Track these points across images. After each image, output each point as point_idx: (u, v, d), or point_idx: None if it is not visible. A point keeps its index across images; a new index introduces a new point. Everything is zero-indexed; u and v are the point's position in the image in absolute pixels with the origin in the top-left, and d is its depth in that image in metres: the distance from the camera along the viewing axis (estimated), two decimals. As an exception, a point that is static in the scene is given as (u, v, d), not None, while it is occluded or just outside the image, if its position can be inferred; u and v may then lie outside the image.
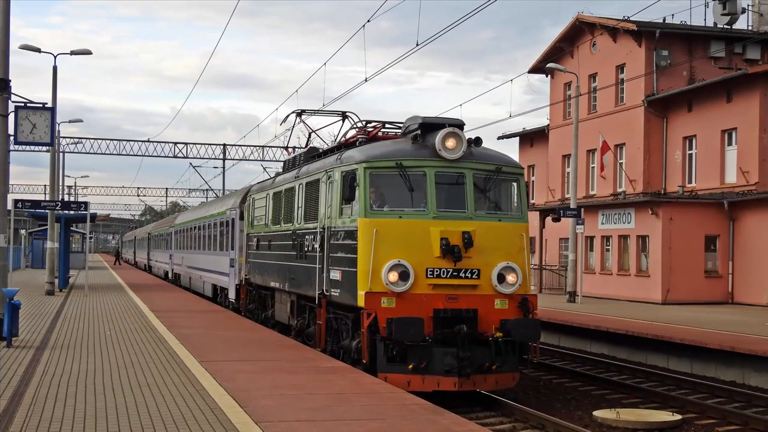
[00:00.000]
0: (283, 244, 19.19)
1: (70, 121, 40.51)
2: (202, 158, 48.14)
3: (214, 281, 27.58)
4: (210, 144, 52.57)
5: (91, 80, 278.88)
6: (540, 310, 16.40)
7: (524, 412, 13.42)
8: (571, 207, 29.89)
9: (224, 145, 48.63)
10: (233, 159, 48.88)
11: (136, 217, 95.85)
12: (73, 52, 26.13)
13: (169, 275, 41.75)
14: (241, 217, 23.57)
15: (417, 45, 21.26)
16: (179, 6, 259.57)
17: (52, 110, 15.88)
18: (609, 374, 18.35)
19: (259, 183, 23.99)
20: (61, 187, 40.75)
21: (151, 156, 48.58)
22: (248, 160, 48.66)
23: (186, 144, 49.23)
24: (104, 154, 49.32)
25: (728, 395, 15.46)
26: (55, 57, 25.56)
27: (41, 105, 15.59)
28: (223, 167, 48.64)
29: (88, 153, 47.48)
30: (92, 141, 47.66)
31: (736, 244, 29.78)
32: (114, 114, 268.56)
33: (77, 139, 48.20)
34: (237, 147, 48.86)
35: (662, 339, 19.64)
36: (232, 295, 24.10)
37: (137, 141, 49.08)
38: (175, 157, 47.93)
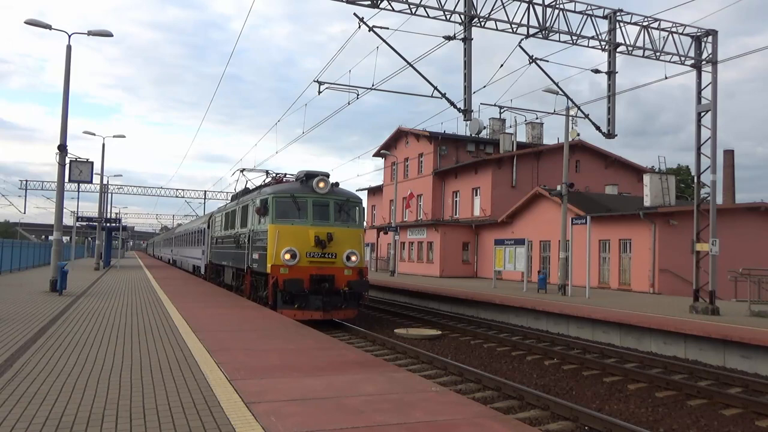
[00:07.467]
0: (229, 241, 22.96)
1: (115, 176, 73.03)
2: (192, 198, 75.01)
3: (194, 263, 35.62)
4: (197, 190, 73.67)
5: (128, 155, 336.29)
6: (371, 278, 20.00)
7: (357, 330, 16.67)
8: (392, 225, 41.02)
9: (205, 191, 76.21)
10: (209, 198, 75.50)
11: (156, 231, 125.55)
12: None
13: (170, 261, 56.11)
14: (209, 227, 28.83)
15: (303, 133, 28.73)
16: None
17: (92, 163, 22.10)
18: (407, 311, 23.31)
19: (218, 208, 29.38)
20: (108, 212, 57.31)
21: (163, 196, 73.74)
22: (216, 198, 72.80)
23: (184, 190, 76.62)
24: (136, 194, 72.87)
25: (468, 322, 20.76)
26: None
27: (84, 160, 21.94)
28: (204, 202, 75.17)
29: (128, 194, 71.48)
30: (130, 187, 71.21)
31: (479, 246, 41.75)
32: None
33: (120, 186, 73.33)
34: (211, 191, 76.80)
35: (440, 294, 25.77)
36: (202, 270, 32.26)
37: (155, 187, 72.68)
38: (176, 196, 74.33)
